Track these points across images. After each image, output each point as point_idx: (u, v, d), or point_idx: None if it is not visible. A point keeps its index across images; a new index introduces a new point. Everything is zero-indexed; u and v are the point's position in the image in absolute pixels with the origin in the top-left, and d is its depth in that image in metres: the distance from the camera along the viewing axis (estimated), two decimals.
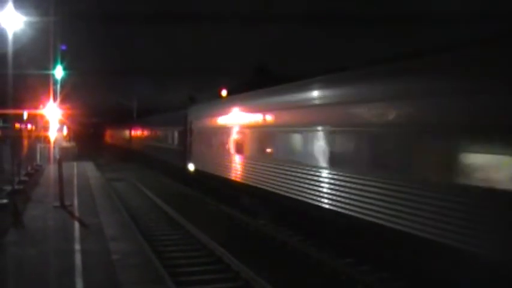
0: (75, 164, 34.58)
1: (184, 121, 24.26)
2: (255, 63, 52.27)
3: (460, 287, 7.42)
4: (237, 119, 17.20)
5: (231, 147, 17.47)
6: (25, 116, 27.01)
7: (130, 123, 50.95)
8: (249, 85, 24.16)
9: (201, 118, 22.01)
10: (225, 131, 18.14)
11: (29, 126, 36.54)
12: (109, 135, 69.80)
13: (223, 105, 19.61)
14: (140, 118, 48.81)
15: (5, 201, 15.13)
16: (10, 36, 13.60)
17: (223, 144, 18.25)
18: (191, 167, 22.87)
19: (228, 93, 39.94)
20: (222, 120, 18.83)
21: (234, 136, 17.21)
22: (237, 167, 16.87)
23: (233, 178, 17.13)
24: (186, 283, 9.51)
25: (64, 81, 23.94)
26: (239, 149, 16.73)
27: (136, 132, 45.44)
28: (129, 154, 47.03)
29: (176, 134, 26.74)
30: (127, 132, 50.99)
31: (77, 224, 13.51)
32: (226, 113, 18.43)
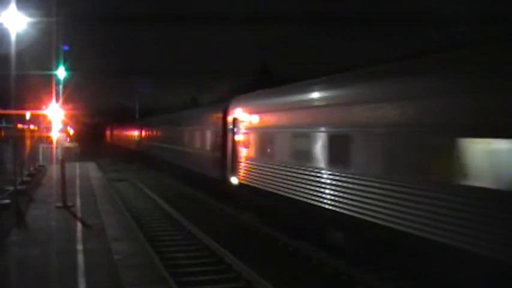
0: (77, 164, 34.75)
1: (223, 118, 18.32)
2: (257, 64, 52.35)
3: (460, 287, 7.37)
4: (336, 115, 11.04)
5: (321, 157, 11.42)
6: (28, 117, 27.07)
7: (140, 123, 45.02)
8: (252, 86, 23.54)
9: (256, 114, 15.66)
10: (307, 132, 12.04)
11: (32, 126, 36.64)
12: (113, 136, 66.73)
13: (305, 92, 12.85)
14: (154, 116, 41.12)
15: (7, 201, 15.20)
16: (13, 37, 13.65)
17: (304, 152, 12.16)
18: (234, 180, 17.10)
19: (229, 95, 39.81)
20: (304, 115, 12.52)
21: (327, 141, 11.19)
22: (330, 186, 10.99)
23: (318, 203, 11.43)
24: (187, 283, 9.54)
25: (66, 81, 23.99)
26: (338, 161, 10.78)
27: (149, 133, 39.07)
28: (138, 157, 42.48)
29: (209, 136, 20.54)
30: (136, 133, 45.45)
31: (79, 224, 13.59)
32: (312, 105, 12.18)
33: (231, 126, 17.55)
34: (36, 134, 33.93)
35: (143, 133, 42.12)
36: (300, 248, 12.00)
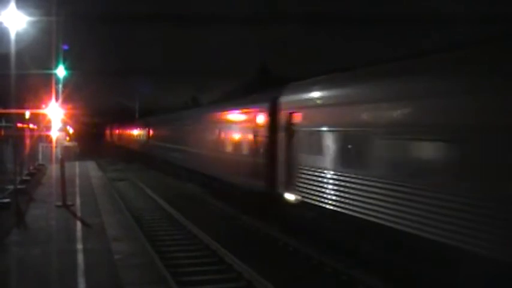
0: (77, 163, 34.77)
1: (270, 113, 14.12)
2: (257, 64, 52.41)
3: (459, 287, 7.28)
4: None
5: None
6: (27, 116, 27.05)
7: (148, 121, 39.73)
8: (252, 86, 23.19)
9: (336, 106, 11.07)
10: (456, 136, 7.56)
11: (31, 125, 36.62)
12: (115, 136, 64.76)
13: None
14: (168, 113, 35.25)
15: (7, 200, 15.20)
16: (12, 36, 13.64)
17: (447, 166, 7.72)
18: (291, 196, 12.76)
19: (230, 95, 39.65)
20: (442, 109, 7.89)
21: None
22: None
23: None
24: (188, 283, 9.54)
25: (66, 81, 24.00)
26: None
27: (160, 133, 34.01)
28: (145, 159, 38.46)
29: (248, 135, 15.87)
30: (143, 133, 40.81)
31: (79, 224, 13.59)
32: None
33: (285, 123, 13.24)
34: (36, 133, 33.91)
35: (151, 133, 37.51)
36: (300, 248, 12.00)
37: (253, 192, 15.09)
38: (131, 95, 64.53)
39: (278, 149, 13.58)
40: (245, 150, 16.25)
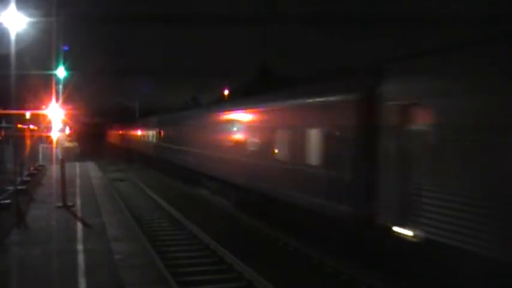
0: (77, 164, 34.81)
1: (363, 106, 9.79)
2: (257, 64, 52.45)
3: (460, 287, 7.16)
4: None
5: None
6: (28, 116, 27.08)
7: (159, 121, 33.83)
8: (252, 86, 23.00)
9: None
10: None
11: (32, 126, 36.65)
12: (117, 136, 62.93)
13: None
14: (188, 110, 31.08)
15: (8, 201, 15.20)
16: (13, 36, 13.65)
17: None
18: (405, 230, 8.38)
19: (231, 94, 39.53)
20: None
21: None
22: None
23: None
24: (188, 283, 9.54)
25: (66, 81, 24.01)
26: None
27: (172, 133, 28.83)
28: (155, 163, 33.98)
29: (325, 140, 11.13)
30: (151, 133, 36.53)
31: (79, 224, 13.60)
32: None
33: (395, 122, 8.80)
34: (36, 134, 33.94)
35: (162, 134, 32.38)
36: (300, 248, 11.99)
37: (330, 218, 10.74)
38: (131, 95, 64.55)
39: (380, 159, 9.21)
40: (316, 159, 11.52)
